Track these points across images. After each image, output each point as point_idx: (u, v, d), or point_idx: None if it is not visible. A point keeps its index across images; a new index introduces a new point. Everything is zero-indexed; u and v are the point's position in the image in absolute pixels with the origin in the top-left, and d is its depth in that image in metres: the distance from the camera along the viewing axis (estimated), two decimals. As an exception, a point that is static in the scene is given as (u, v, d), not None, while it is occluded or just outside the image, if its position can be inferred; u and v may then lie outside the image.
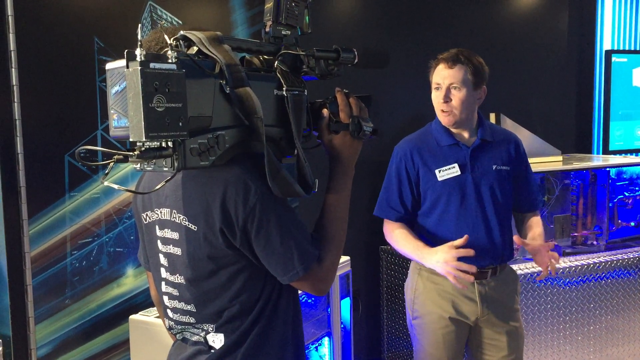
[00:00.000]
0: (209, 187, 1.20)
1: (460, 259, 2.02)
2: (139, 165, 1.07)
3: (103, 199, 2.52)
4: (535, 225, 2.30)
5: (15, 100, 2.25)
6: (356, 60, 1.30)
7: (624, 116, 4.21)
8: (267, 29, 1.23)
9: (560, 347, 3.16)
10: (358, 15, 3.57)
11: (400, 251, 2.26)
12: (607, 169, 3.41)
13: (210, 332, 1.28)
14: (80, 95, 2.44)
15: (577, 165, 3.35)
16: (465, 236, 2.05)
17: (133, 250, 2.58)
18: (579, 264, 3.15)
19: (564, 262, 3.15)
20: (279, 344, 1.30)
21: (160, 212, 1.30)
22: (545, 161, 3.44)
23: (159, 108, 0.96)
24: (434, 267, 2.08)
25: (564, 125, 4.25)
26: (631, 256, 3.29)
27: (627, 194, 3.49)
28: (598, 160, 3.66)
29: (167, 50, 1.01)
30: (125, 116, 0.99)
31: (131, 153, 1.00)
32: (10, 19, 2.22)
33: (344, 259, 3.01)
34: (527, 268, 3.04)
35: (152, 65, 0.95)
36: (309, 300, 2.85)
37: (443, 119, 2.20)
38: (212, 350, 1.28)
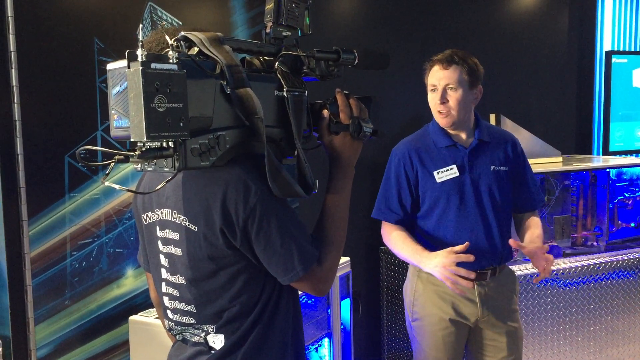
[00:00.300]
0: (209, 188, 1.20)
1: (459, 264, 2.01)
2: (139, 165, 1.07)
3: (103, 199, 2.52)
4: (534, 226, 2.27)
5: (15, 101, 2.25)
6: (356, 62, 1.31)
7: (624, 117, 4.21)
8: (268, 30, 1.23)
9: (560, 347, 3.16)
10: (358, 17, 3.58)
11: (398, 254, 2.25)
12: (607, 169, 3.41)
13: (210, 333, 1.28)
14: (80, 96, 2.44)
15: (577, 166, 3.36)
16: (466, 243, 2.05)
17: (133, 251, 2.58)
18: (579, 264, 3.15)
19: (564, 263, 3.15)
20: (279, 344, 1.30)
21: (161, 213, 1.30)
22: (546, 162, 3.44)
23: (160, 108, 0.96)
24: (431, 271, 2.07)
25: (564, 126, 4.25)
26: (631, 257, 3.29)
27: (627, 195, 3.50)
28: (598, 161, 3.66)
29: (168, 51, 1.01)
30: (126, 116, 0.99)
31: (132, 153, 1.00)
32: (10, 20, 2.22)
33: (344, 259, 3.01)
34: (527, 269, 3.04)
35: (153, 65, 0.95)
36: (309, 301, 2.85)
37: (440, 120, 2.19)
38: (213, 351, 1.28)
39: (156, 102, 0.95)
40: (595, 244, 3.42)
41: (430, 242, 2.19)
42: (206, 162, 1.09)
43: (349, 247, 3.21)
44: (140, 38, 0.98)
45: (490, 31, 3.88)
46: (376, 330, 3.66)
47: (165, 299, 1.35)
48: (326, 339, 2.95)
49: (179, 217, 1.26)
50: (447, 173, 2.18)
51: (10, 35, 2.22)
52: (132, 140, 0.98)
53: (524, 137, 3.44)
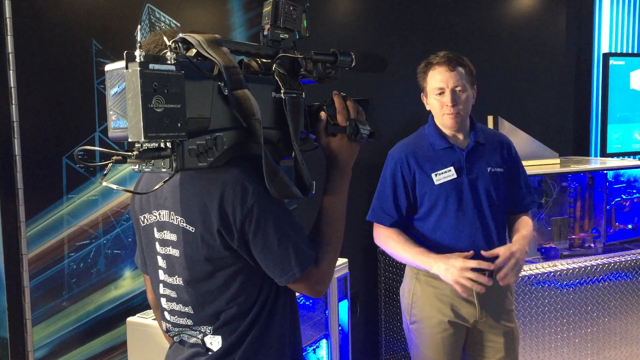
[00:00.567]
0: (206, 189, 1.20)
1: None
2: (137, 166, 1.08)
3: (101, 201, 2.51)
4: (523, 227, 2.26)
5: (13, 102, 2.25)
6: (353, 64, 1.31)
7: (621, 119, 4.22)
8: (265, 33, 1.24)
9: (557, 349, 3.16)
10: (356, 19, 3.58)
11: (397, 256, 2.24)
12: (605, 171, 3.42)
13: (207, 334, 1.29)
14: (78, 97, 2.44)
15: (574, 167, 3.36)
16: (471, 252, 2.07)
17: (131, 252, 2.58)
18: (577, 266, 3.16)
19: (562, 265, 3.15)
20: (277, 346, 1.30)
21: (159, 214, 1.31)
22: (543, 164, 3.45)
23: (158, 109, 0.96)
24: (441, 274, 2.05)
25: (562, 128, 4.26)
26: (628, 259, 3.30)
27: (624, 197, 3.50)
28: (595, 162, 3.67)
29: (166, 52, 1.02)
30: (124, 117, 1.00)
31: (130, 154, 1.00)
32: (9, 21, 2.22)
33: (342, 261, 3.02)
34: (524, 270, 3.05)
35: (151, 66, 0.95)
36: (307, 303, 2.85)
37: (449, 121, 2.18)
38: (210, 353, 1.29)
39: (154, 103, 0.96)
40: (592, 245, 3.42)
41: (428, 245, 2.19)
42: (204, 163, 1.10)
43: (346, 249, 3.21)
44: (138, 39, 0.99)
45: (488, 33, 3.88)
46: (374, 332, 3.66)
47: (163, 300, 1.35)
48: (324, 341, 2.95)
49: (177, 218, 1.26)
50: (445, 175, 2.18)
51: (8, 37, 2.22)
52: (130, 140, 0.98)
53: (522, 139, 3.45)
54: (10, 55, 2.23)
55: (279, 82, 1.22)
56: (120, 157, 1.01)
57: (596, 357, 3.27)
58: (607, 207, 3.42)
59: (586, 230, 3.47)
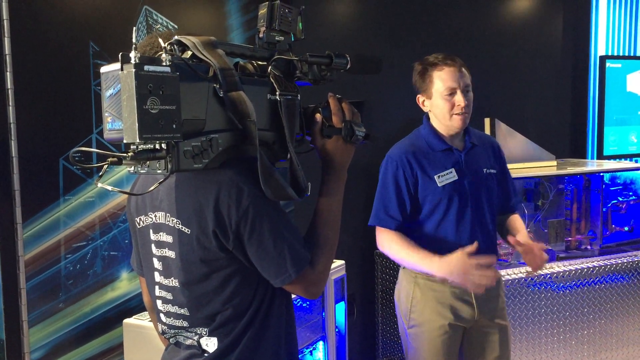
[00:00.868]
0: (202, 190, 1.20)
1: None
2: (132, 167, 1.08)
3: (97, 202, 2.51)
4: (520, 225, 2.31)
5: (10, 103, 2.25)
6: (349, 66, 1.32)
7: (618, 121, 4.23)
8: (261, 35, 1.24)
9: (554, 351, 3.17)
10: (353, 21, 3.59)
11: (401, 261, 2.22)
12: (601, 174, 3.42)
13: (203, 336, 1.29)
14: (75, 99, 2.44)
15: (571, 170, 3.37)
16: (476, 242, 2.05)
17: (127, 254, 2.58)
18: (573, 268, 3.16)
19: (558, 267, 3.16)
20: (272, 347, 1.30)
21: (155, 216, 1.31)
22: (540, 166, 3.45)
23: (153, 110, 0.96)
24: (449, 276, 2.03)
25: (559, 130, 4.27)
26: (625, 261, 3.31)
27: (620, 199, 3.51)
28: (592, 165, 3.68)
29: (161, 54, 1.02)
30: (119, 119, 1.00)
31: (125, 155, 1.01)
32: (6, 23, 2.22)
33: (339, 263, 3.02)
34: (521, 273, 3.05)
35: (146, 67, 0.96)
36: (304, 305, 2.85)
37: (458, 123, 2.17)
38: (206, 354, 1.29)
39: (149, 104, 0.96)
40: (589, 247, 3.43)
41: (429, 246, 2.17)
42: (199, 165, 1.10)
43: (344, 251, 3.23)
44: (134, 41, 0.99)
45: (485, 35, 3.89)
46: (371, 334, 3.66)
47: (159, 302, 1.36)
48: (321, 342, 2.95)
49: (172, 220, 1.26)
50: (447, 177, 2.18)
51: (6, 38, 2.22)
52: (125, 142, 0.99)
53: (519, 141, 3.46)
54: (8, 56, 2.23)
55: (275, 84, 1.22)
56: (115, 159, 1.01)
57: (592, 359, 3.27)
58: (604, 210, 3.43)
59: (582, 232, 3.48)
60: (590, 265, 3.22)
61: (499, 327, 2.26)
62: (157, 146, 1.03)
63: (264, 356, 1.29)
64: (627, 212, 3.49)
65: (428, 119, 2.28)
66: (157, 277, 1.34)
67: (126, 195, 1.48)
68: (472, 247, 2.01)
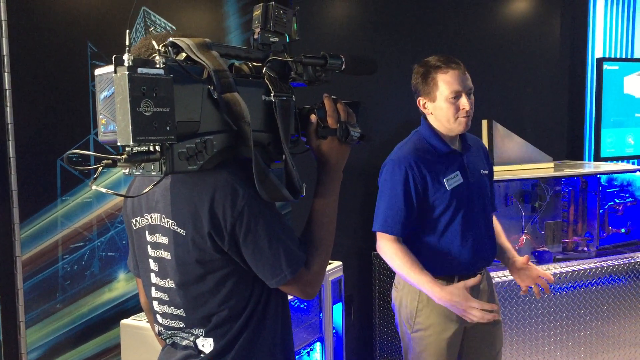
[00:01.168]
0: (197, 192, 1.21)
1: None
2: (127, 169, 1.08)
3: (95, 203, 2.52)
4: (502, 234, 2.38)
5: (8, 104, 2.25)
6: (343, 67, 1.32)
7: (615, 123, 4.24)
8: (256, 36, 1.24)
9: (550, 352, 3.17)
10: (350, 22, 3.59)
11: (401, 275, 2.20)
12: (598, 175, 3.43)
13: (199, 337, 1.29)
14: (72, 99, 2.44)
15: (568, 172, 3.38)
16: (479, 276, 2.12)
17: (125, 254, 2.58)
18: (570, 270, 3.17)
19: (555, 268, 3.16)
20: (268, 348, 1.31)
21: (151, 217, 1.31)
22: (537, 168, 3.46)
23: (147, 112, 0.97)
24: (449, 306, 2.05)
25: (556, 132, 4.27)
26: (621, 262, 3.31)
27: (617, 201, 3.51)
28: (589, 167, 3.68)
29: (155, 56, 1.02)
30: (113, 121, 1.00)
31: (119, 157, 1.01)
32: (3, 23, 2.22)
33: (337, 264, 3.02)
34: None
35: (139, 70, 0.96)
36: (302, 305, 2.86)
37: (462, 126, 2.16)
38: (202, 355, 1.29)
39: (142, 107, 0.96)
40: (585, 249, 3.43)
41: (435, 250, 2.17)
42: (193, 166, 1.10)
43: (341, 252, 3.23)
44: (127, 43, 1.00)
45: (482, 37, 3.90)
46: (368, 335, 3.66)
47: (155, 303, 1.36)
48: (318, 343, 2.95)
49: (168, 222, 1.26)
50: (454, 180, 2.17)
51: (3, 39, 2.22)
52: (119, 144, 0.99)
53: (516, 143, 3.46)
54: (5, 57, 2.23)
55: (269, 85, 1.23)
56: (110, 161, 1.02)
57: (589, 360, 3.28)
58: (601, 211, 3.43)
59: (579, 234, 3.48)
60: (587, 267, 3.22)
61: (495, 323, 2.29)
62: (151, 148, 1.03)
63: (260, 357, 1.29)
64: (624, 214, 3.49)
65: (426, 120, 2.25)
66: (153, 278, 1.35)
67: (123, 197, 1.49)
68: (474, 280, 2.05)
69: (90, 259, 2.51)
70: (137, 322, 2.40)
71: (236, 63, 1.30)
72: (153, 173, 1.07)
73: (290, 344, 1.38)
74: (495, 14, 3.99)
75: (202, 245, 1.21)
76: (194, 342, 1.30)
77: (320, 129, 1.31)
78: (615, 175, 3.52)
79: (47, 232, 2.39)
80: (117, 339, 2.49)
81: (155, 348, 1.51)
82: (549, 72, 4.18)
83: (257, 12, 1.23)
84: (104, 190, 1.07)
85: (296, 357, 2.65)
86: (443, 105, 2.15)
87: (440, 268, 2.17)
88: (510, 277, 2.99)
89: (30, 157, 2.33)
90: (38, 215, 2.36)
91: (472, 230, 2.19)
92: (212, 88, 1.12)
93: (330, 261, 2.91)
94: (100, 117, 1.04)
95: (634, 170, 3.54)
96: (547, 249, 3.36)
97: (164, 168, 1.05)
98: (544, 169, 3.43)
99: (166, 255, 1.29)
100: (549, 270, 3.13)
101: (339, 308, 3.08)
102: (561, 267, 3.19)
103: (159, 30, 2.69)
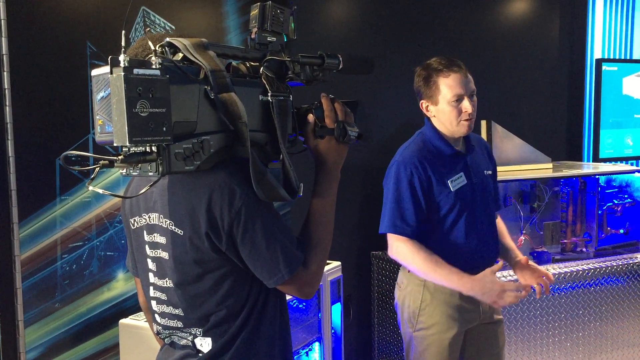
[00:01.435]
0: (194, 192, 1.21)
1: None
2: (125, 170, 1.08)
3: (94, 202, 2.52)
4: (506, 233, 2.38)
5: (7, 103, 2.25)
6: (341, 66, 1.32)
7: (614, 124, 4.24)
8: (253, 36, 1.24)
9: (549, 353, 3.17)
10: (350, 22, 3.60)
11: (423, 274, 2.18)
12: (597, 176, 3.43)
13: (198, 336, 1.29)
14: (72, 99, 2.45)
15: (567, 172, 3.38)
16: (501, 262, 2.12)
17: (124, 254, 2.59)
18: (568, 270, 3.17)
19: (554, 269, 3.16)
20: (267, 347, 1.31)
21: (149, 217, 1.31)
22: (536, 168, 3.46)
23: (143, 113, 0.97)
24: (477, 296, 2.07)
25: (555, 133, 4.28)
26: (620, 263, 3.31)
27: (616, 202, 3.51)
28: (588, 167, 3.68)
29: (151, 57, 1.03)
30: (110, 122, 1.00)
31: (116, 158, 1.02)
32: (3, 23, 2.22)
33: (335, 264, 3.02)
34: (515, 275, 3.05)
35: (135, 71, 0.96)
36: (300, 305, 2.86)
37: (465, 129, 2.17)
38: (200, 354, 1.29)
39: (139, 107, 0.97)
40: (584, 250, 3.43)
41: (440, 250, 2.17)
42: (190, 167, 1.10)
43: (339, 252, 3.23)
44: (123, 43, 1.00)
45: (481, 38, 3.90)
46: (367, 335, 3.66)
47: (153, 302, 1.36)
48: (317, 343, 2.96)
49: (166, 222, 1.27)
50: (458, 181, 2.18)
51: (3, 38, 2.23)
52: (115, 144, 0.99)
53: (515, 144, 3.46)
54: (5, 56, 2.24)
55: (266, 85, 1.23)
56: (107, 162, 1.02)
57: (588, 361, 3.28)
58: (599, 212, 3.43)
59: (578, 234, 3.48)
60: (585, 268, 3.23)
61: (497, 322, 2.32)
62: (148, 149, 1.03)
63: (258, 356, 1.30)
64: (623, 214, 3.49)
65: (430, 122, 2.26)
66: (152, 278, 1.35)
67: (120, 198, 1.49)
68: (498, 266, 2.07)
69: (89, 259, 2.52)
70: (135, 321, 2.41)
71: (234, 63, 1.30)
72: (150, 173, 1.07)
73: (288, 344, 1.38)
74: (494, 14, 4.00)
75: (199, 245, 1.22)
76: (192, 342, 1.30)
77: (318, 129, 1.31)
78: (614, 176, 3.53)
79: (46, 232, 2.39)
80: (116, 339, 2.50)
81: (153, 348, 1.52)
82: (548, 73, 4.18)
83: (255, 11, 1.24)
84: (100, 191, 1.07)
85: (295, 357, 2.66)
86: (445, 109, 2.16)
87: None
88: (509, 277, 2.99)
89: (30, 156, 2.33)
90: (37, 215, 2.37)
91: (476, 231, 2.20)
92: (208, 88, 1.12)
93: (328, 261, 2.92)
94: (97, 117, 1.04)
95: (633, 171, 3.54)
96: (545, 250, 3.36)
97: (160, 168, 1.06)
98: (543, 169, 3.44)
99: (164, 255, 1.29)
100: (548, 270, 3.12)
101: (337, 308, 3.08)
102: (560, 268, 3.19)
103: (157, 30, 2.69)
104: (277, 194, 1.20)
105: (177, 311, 1.30)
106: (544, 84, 4.16)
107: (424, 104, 2.24)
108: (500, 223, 2.39)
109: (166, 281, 1.30)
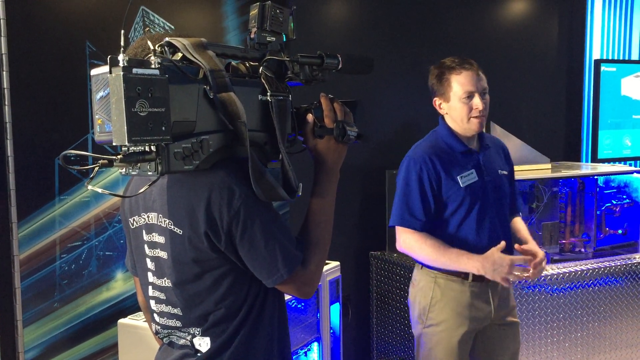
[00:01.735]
0: (193, 191, 1.21)
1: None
2: (124, 169, 1.08)
3: (93, 202, 2.52)
4: (524, 228, 2.38)
5: (6, 103, 2.26)
6: (340, 66, 1.32)
7: (612, 125, 4.24)
8: (252, 36, 1.24)
9: (547, 353, 3.17)
10: (351, 22, 3.60)
11: (433, 261, 2.20)
12: (596, 177, 3.43)
13: (196, 336, 1.29)
14: (71, 99, 2.45)
15: (565, 173, 3.38)
16: (503, 242, 2.11)
17: (122, 254, 2.59)
18: (567, 271, 3.17)
19: (552, 269, 3.17)
20: (265, 347, 1.31)
21: (148, 217, 1.32)
22: (534, 169, 3.46)
23: (142, 112, 0.97)
24: (487, 274, 2.08)
25: (553, 134, 4.28)
26: (618, 263, 3.32)
27: (614, 202, 3.52)
28: (586, 168, 3.69)
29: (150, 56, 1.03)
30: (109, 121, 1.01)
31: (115, 157, 1.02)
32: (2, 22, 2.23)
33: (334, 264, 3.03)
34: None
35: (134, 70, 0.97)
36: (299, 305, 2.86)
37: (476, 126, 2.21)
38: (199, 354, 1.29)
39: (138, 107, 0.97)
40: (583, 250, 3.43)
41: (451, 245, 2.19)
42: (189, 166, 1.10)
43: (338, 252, 3.23)
44: (122, 43, 1.00)
45: (480, 38, 3.90)
46: (365, 335, 3.66)
47: (152, 302, 1.36)
48: (315, 343, 2.96)
49: (165, 221, 1.27)
50: (469, 177, 2.21)
51: (2, 38, 2.23)
52: (114, 144, 1.00)
53: (514, 144, 3.46)
54: (4, 56, 2.24)
55: (266, 85, 1.23)
56: (106, 161, 1.02)
57: (586, 361, 3.28)
58: (598, 212, 3.43)
59: (576, 235, 3.48)
60: (584, 268, 3.23)
61: (511, 324, 2.33)
62: (147, 148, 1.03)
63: (257, 356, 1.30)
64: (621, 215, 3.50)
65: (444, 120, 2.31)
66: (150, 278, 1.35)
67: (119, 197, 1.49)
68: (502, 245, 2.09)
69: (87, 258, 2.52)
70: (134, 321, 2.41)
71: (233, 63, 1.30)
72: (149, 173, 1.07)
73: (287, 344, 1.38)
74: (493, 15, 4.00)
75: (198, 245, 1.22)
76: (191, 341, 1.30)
77: (317, 129, 1.31)
78: (612, 177, 3.53)
79: (44, 231, 2.39)
80: (115, 339, 2.50)
81: (152, 347, 1.52)
82: (546, 74, 4.19)
83: (254, 11, 1.24)
84: (99, 190, 1.07)
85: (293, 357, 2.66)
86: (457, 106, 2.21)
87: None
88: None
89: (29, 156, 2.33)
90: (36, 214, 2.37)
91: (487, 228, 2.21)
92: (208, 88, 1.12)
93: (327, 261, 2.92)
94: (97, 117, 1.04)
95: (631, 172, 3.54)
96: (544, 250, 3.36)
97: (160, 168, 1.06)
98: (542, 170, 3.44)
99: (163, 254, 1.29)
100: (546, 271, 3.13)
101: (336, 308, 3.09)
102: (558, 268, 3.20)
103: (156, 29, 2.69)
104: (276, 193, 1.20)
105: (176, 310, 1.30)
106: (542, 84, 4.17)
107: (437, 101, 2.29)
108: (520, 222, 2.41)
109: (164, 280, 1.30)
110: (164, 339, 1.38)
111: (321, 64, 1.30)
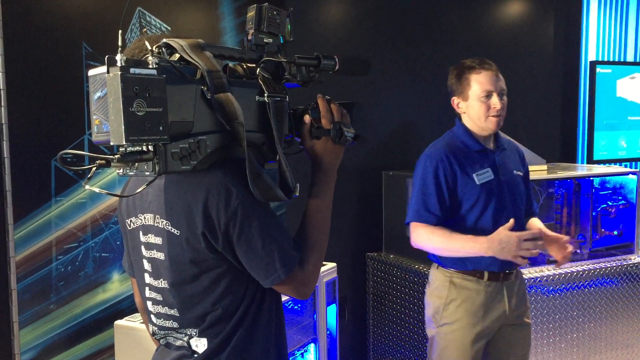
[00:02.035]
0: (191, 192, 1.21)
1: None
2: (121, 170, 1.08)
3: (89, 203, 2.52)
4: (541, 225, 2.40)
5: (2, 104, 2.26)
6: (337, 67, 1.33)
7: (608, 126, 4.26)
8: (249, 37, 1.25)
9: (543, 354, 3.18)
10: (348, 23, 3.60)
11: (445, 250, 2.23)
12: (591, 178, 3.44)
13: (193, 337, 1.29)
14: (67, 100, 2.45)
15: (561, 174, 3.39)
16: (512, 220, 2.11)
17: (119, 255, 2.59)
18: (562, 272, 3.18)
19: (548, 270, 3.17)
20: (262, 348, 1.31)
21: (144, 218, 1.32)
22: (530, 170, 3.45)
23: (139, 112, 0.97)
24: (497, 254, 2.09)
25: (549, 135, 4.29)
26: (614, 265, 3.32)
27: (610, 203, 3.53)
28: (582, 169, 3.69)
29: (148, 57, 1.03)
30: (107, 121, 1.01)
31: (112, 157, 1.02)
32: (-1, 24, 2.23)
33: (330, 265, 3.03)
34: (529, 273, 3.07)
35: (132, 70, 0.97)
36: (296, 307, 2.86)
37: (493, 125, 2.24)
38: (196, 355, 1.29)
39: (135, 107, 0.97)
40: (578, 251, 3.44)
41: None
42: (187, 166, 1.10)
43: (335, 253, 3.23)
44: (120, 43, 1.00)
45: (476, 40, 3.91)
46: (362, 336, 3.67)
47: (149, 303, 1.36)
48: (312, 345, 2.96)
49: (162, 222, 1.27)
50: (484, 175, 2.24)
51: (-2, 39, 2.23)
52: (111, 144, 1.00)
53: (510, 145, 3.47)
54: (0, 57, 2.24)
55: (263, 86, 1.23)
56: (104, 161, 1.02)
57: (582, 362, 3.29)
58: (593, 214, 3.44)
59: (572, 236, 3.49)
60: (579, 269, 3.24)
61: (525, 325, 2.35)
62: (144, 148, 1.03)
63: (254, 356, 1.30)
64: (617, 216, 3.51)
65: (461, 120, 2.34)
66: (147, 279, 1.35)
67: (116, 197, 1.49)
68: (510, 223, 2.09)
69: (84, 260, 2.52)
70: (131, 323, 2.40)
71: (230, 64, 1.31)
72: (147, 173, 1.07)
73: (283, 344, 1.38)
74: (489, 17, 4.01)
75: (196, 245, 1.22)
76: (188, 342, 1.30)
77: (314, 130, 1.32)
78: (608, 178, 3.54)
79: (41, 233, 2.39)
80: (111, 340, 2.49)
81: (149, 349, 1.52)
82: (542, 75, 4.20)
83: (251, 13, 1.24)
84: (97, 190, 1.07)
85: (290, 359, 2.66)
86: (475, 104, 2.25)
87: (470, 262, 2.23)
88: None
89: (25, 157, 2.33)
90: (32, 216, 2.36)
91: (502, 224, 2.20)
92: (205, 88, 1.12)
93: (324, 262, 2.92)
94: (94, 117, 1.04)
95: (627, 173, 3.55)
96: (541, 251, 3.37)
97: (157, 168, 1.06)
98: (537, 171, 3.44)
99: (159, 255, 1.29)
100: (542, 272, 3.14)
101: (333, 309, 3.09)
102: (554, 269, 3.20)
103: (153, 31, 2.69)
104: (273, 194, 1.20)
105: (173, 312, 1.30)
106: (538, 85, 4.18)
107: (455, 100, 2.33)
108: (537, 220, 2.43)
109: (161, 282, 1.30)
110: (161, 340, 1.38)
111: (318, 65, 1.30)
